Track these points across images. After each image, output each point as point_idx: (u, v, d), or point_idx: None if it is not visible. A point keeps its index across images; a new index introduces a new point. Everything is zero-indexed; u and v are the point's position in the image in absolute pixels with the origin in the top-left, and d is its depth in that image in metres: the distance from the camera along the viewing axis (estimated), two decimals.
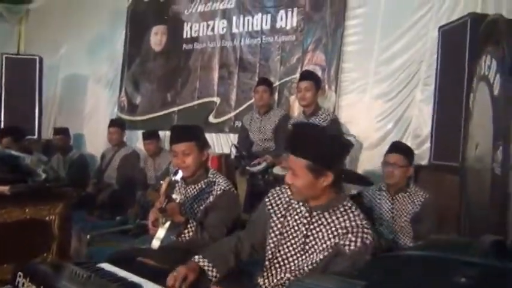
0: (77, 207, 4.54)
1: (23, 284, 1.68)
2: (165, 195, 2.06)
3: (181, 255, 2.18)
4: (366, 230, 1.63)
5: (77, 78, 6.80)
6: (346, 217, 1.67)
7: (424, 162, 3.85)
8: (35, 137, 6.08)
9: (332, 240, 1.66)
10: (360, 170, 4.19)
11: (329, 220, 1.69)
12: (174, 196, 2.22)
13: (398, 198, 2.88)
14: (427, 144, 3.86)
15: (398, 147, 2.98)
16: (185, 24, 5.83)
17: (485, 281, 0.69)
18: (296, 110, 4.60)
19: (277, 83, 4.90)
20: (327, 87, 4.61)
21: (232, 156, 4.44)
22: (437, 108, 3.69)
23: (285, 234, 1.78)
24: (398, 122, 4.20)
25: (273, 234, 1.81)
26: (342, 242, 1.63)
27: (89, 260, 2.40)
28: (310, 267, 1.68)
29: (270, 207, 1.85)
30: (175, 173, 2.14)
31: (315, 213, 1.72)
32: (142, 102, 6.17)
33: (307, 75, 3.99)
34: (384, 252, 2.72)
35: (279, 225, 1.80)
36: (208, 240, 2.24)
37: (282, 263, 1.77)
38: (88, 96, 6.76)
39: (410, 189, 2.87)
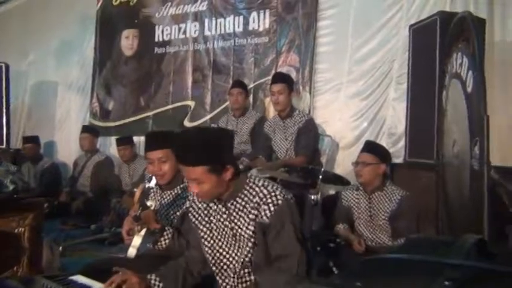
0: (50, 217, 4.48)
1: None
2: (139, 202, 2.01)
3: (159, 262, 2.13)
4: (273, 194, 1.72)
5: (47, 85, 6.64)
6: (253, 193, 1.75)
7: (400, 160, 3.88)
8: (4, 146, 5.89)
9: (252, 219, 1.74)
10: (337, 170, 4.20)
11: (242, 203, 1.77)
12: (148, 203, 2.17)
13: (375, 197, 2.89)
14: (402, 142, 3.90)
15: (366, 146, 3.01)
16: (157, 27, 5.75)
17: (468, 282, 0.68)
18: (271, 112, 4.58)
19: (251, 85, 4.88)
20: (301, 88, 4.61)
21: None
22: (410, 106, 3.73)
23: (217, 237, 1.85)
24: (373, 121, 4.23)
25: (206, 242, 1.87)
26: (259, 215, 1.72)
27: (62, 272, 2.31)
28: (249, 254, 1.75)
29: (193, 219, 1.91)
30: (150, 180, 2.09)
31: (229, 205, 1.80)
32: (115, 108, 6.05)
33: (278, 78, 3.97)
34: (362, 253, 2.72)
35: (207, 231, 1.87)
36: (185, 246, 2.20)
37: (226, 263, 1.83)
38: (58, 102, 6.59)
39: (386, 187, 2.88)
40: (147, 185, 2.08)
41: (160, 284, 1.82)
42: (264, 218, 1.71)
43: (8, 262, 2.31)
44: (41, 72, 6.69)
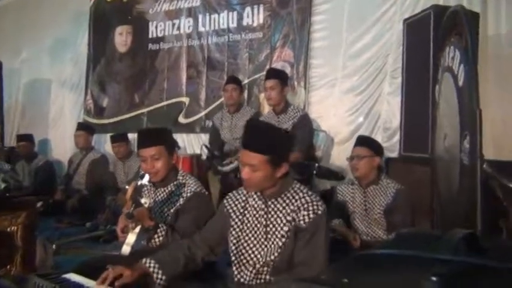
0: (45, 215, 4.46)
1: None
2: (132, 200, 2.00)
3: None
4: (315, 203, 1.80)
5: (40, 83, 6.60)
6: (297, 197, 1.83)
7: (395, 154, 3.89)
8: None
9: (288, 221, 1.80)
10: (332, 165, 4.20)
11: (283, 204, 1.84)
12: (142, 200, 2.16)
13: (370, 190, 2.89)
14: (397, 137, 3.90)
15: (359, 140, 3.01)
16: (150, 23, 5.73)
17: (456, 277, 0.67)
18: (266, 108, 4.57)
19: (246, 81, 4.87)
20: (296, 83, 4.60)
21: (204, 157, 4.38)
22: (405, 100, 3.73)
23: (246, 230, 1.89)
24: (368, 115, 4.23)
25: (234, 232, 1.92)
26: (297, 219, 1.79)
27: (55, 271, 2.30)
28: (276, 253, 1.80)
29: (228, 207, 1.97)
30: (142, 177, 2.08)
31: (269, 202, 1.86)
32: (109, 105, 6.03)
33: (271, 74, 3.96)
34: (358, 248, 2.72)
35: (239, 223, 1.92)
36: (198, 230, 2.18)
37: (248, 257, 1.87)
38: (52, 100, 6.56)
39: (382, 181, 2.88)
40: (139, 183, 2.07)
41: (160, 271, 1.81)
42: (302, 222, 1.78)
43: (1, 261, 2.29)
44: (34, 70, 6.65)
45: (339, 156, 4.23)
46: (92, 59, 6.18)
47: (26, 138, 5.59)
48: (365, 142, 2.96)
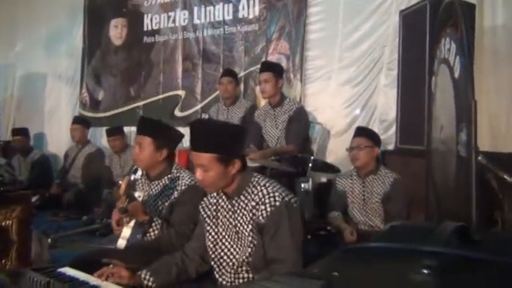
0: (41, 209, 4.46)
1: None
2: (126, 194, 1.99)
3: (148, 253, 2.13)
4: (272, 195, 1.73)
5: (35, 76, 6.55)
6: (255, 191, 1.77)
7: (391, 146, 3.88)
8: None
9: (251, 218, 1.76)
10: (329, 158, 4.20)
11: (245, 201, 1.79)
12: (136, 194, 2.16)
13: (368, 180, 2.92)
14: (393, 129, 3.90)
15: (359, 131, 3.05)
16: (145, 16, 5.68)
17: (447, 270, 0.67)
18: (262, 101, 4.55)
19: (242, 74, 4.85)
20: (292, 76, 4.58)
21: None
22: (401, 92, 3.72)
23: (222, 233, 1.87)
24: (365, 107, 4.22)
25: (210, 236, 1.89)
26: (257, 215, 1.74)
27: (50, 265, 2.29)
28: (247, 252, 1.76)
29: (202, 212, 1.94)
30: (135, 171, 2.08)
31: (234, 201, 1.83)
32: (105, 98, 6.00)
33: (265, 67, 3.94)
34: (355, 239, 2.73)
35: (213, 226, 1.89)
36: (175, 237, 2.19)
37: (226, 259, 1.84)
38: (47, 94, 6.52)
39: (380, 171, 2.93)
40: (132, 177, 2.07)
41: (151, 279, 1.82)
42: (260, 218, 1.73)
43: None
44: (29, 63, 6.60)
45: (335, 149, 4.23)
46: (87, 52, 6.13)
47: (21, 132, 5.57)
48: (364, 133, 3.00)
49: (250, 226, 1.76)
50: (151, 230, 2.19)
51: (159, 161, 2.31)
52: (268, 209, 1.71)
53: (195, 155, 1.76)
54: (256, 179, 1.81)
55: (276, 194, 1.73)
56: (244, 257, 1.78)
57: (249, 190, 1.79)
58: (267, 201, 1.72)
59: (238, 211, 1.81)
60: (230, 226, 1.84)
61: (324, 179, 3.90)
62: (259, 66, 4.64)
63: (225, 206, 1.87)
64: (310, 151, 3.89)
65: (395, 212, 2.77)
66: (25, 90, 6.68)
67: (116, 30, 5.94)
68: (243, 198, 1.80)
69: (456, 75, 1.94)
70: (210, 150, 1.73)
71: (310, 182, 3.22)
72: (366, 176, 2.93)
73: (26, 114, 6.57)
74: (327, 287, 0.63)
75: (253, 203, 1.76)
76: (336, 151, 4.20)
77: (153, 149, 2.30)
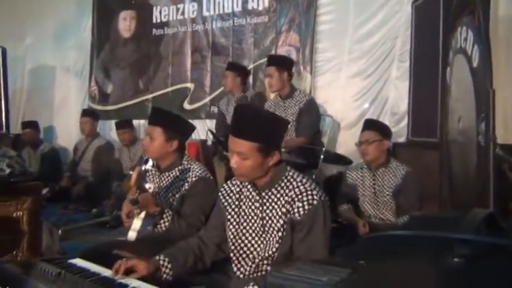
0: (51, 201, 4.47)
1: None
2: (136, 185, 1.97)
3: (159, 245, 2.11)
4: (310, 192, 1.68)
5: (44, 69, 6.56)
6: (290, 187, 1.71)
7: (402, 139, 3.84)
8: (3, 131, 5.84)
9: (284, 213, 1.70)
10: (339, 150, 4.16)
11: (278, 195, 1.73)
12: (147, 186, 2.14)
13: (379, 173, 2.88)
14: (405, 121, 3.85)
15: (367, 124, 2.98)
16: (154, 8, 5.65)
17: (479, 258, 0.64)
18: (272, 94, 4.52)
19: (251, 66, 4.81)
20: (302, 68, 4.54)
21: (209, 143, 4.35)
22: (413, 84, 3.68)
23: (243, 224, 1.81)
24: (375, 100, 4.17)
25: (231, 226, 1.83)
26: (292, 212, 1.68)
27: (61, 256, 2.29)
28: (274, 247, 1.72)
29: (223, 200, 1.87)
30: (146, 162, 2.06)
31: (263, 194, 1.76)
32: (114, 91, 6.00)
33: (269, 61, 3.89)
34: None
35: (235, 216, 1.83)
36: (186, 228, 2.18)
37: (247, 251, 1.79)
38: (57, 87, 6.53)
39: (391, 164, 2.88)
40: (143, 168, 2.05)
41: (169, 265, 1.78)
42: (296, 215, 1.67)
43: (7, 246, 2.29)
44: (38, 56, 6.61)
45: (346, 142, 4.19)
46: (96, 44, 6.13)
47: (31, 125, 5.59)
48: (373, 126, 2.94)
49: (281, 221, 1.70)
50: (161, 221, 2.16)
51: (170, 152, 2.29)
52: (306, 207, 1.66)
53: (234, 141, 1.69)
54: (291, 174, 1.75)
55: (314, 192, 1.69)
56: (270, 252, 1.73)
57: (283, 184, 1.73)
58: (304, 198, 1.67)
59: (268, 204, 1.74)
60: (256, 218, 1.77)
61: (334, 172, 3.86)
62: None
63: (250, 197, 1.80)
64: (321, 144, 3.85)
65: (408, 205, 2.73)
66: (35, 83, 6.70)
67: (125, 23, 5.92)
68: (275, 191, 1.74)
69: (475, 64, 1.89)
70: (252, 138, 1.66)
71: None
72: (376, 168, 2.89)
73: (36, 107, 6.59)
74: (355, 275, 0.61)
75: (288, 198, 1.70)
76: (346, 144, 4.16)
77: (163, 139, 2.28)
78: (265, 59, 4.66)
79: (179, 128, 2.35)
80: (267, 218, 1.74)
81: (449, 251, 0.64)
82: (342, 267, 0.62)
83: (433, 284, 0.60)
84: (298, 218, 1.67)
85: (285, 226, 1.70)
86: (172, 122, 2.36)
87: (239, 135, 1.68)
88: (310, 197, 1.67)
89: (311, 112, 3.77)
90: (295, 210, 1.67)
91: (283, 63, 3.85)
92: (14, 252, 2.31)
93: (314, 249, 1.67)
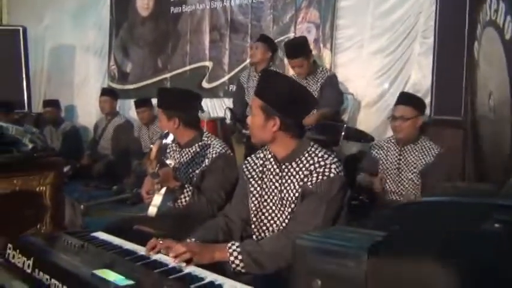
0: (72, 179, 4.54)
1: (13, 256, 1.61)
2: (157, 159, 1.97)
3: (179, 221, 2.12)
4: (328, 166, 1.65)
5: (64, 49, 6.60)
6: (311, 161, 1.69)
7: (425, 117, 3.75)
8: (25, 110, 5.94)
9: (300, 186, 1.70)
10: (360, 128, 4.10)
11: (297, 169, 1.72)
12: (168, 161, 2.15)
13: (407, 149, 2.78)
14: (428, 99, 3.74)
15: (404, 98, 2.84)
16: None
17: None
18: (291, 71, 4.45)
19: None
20: (322, 45, 4.46)
21: (228, 120, 4.33)
22: (437, 61, 3.57)
23: (264, 196, 1.80)
24: (397, 77, 4.08)
25: (253, 198, 1.82)
26: (307, 182, 1.67)
27: (84, 229, 2.33)
28: (287, 220, 1.72)
29: (247, 173, 1.87)
30: (166, 136, 2.05)
31: (283, 166, 1.75)
32: (133, 70, 6.01)
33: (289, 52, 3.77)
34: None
35: (258, 188, 1.82)
36: (206, 204, 2.18)
37: (267, 223, 1.79)
38: (76, 66, 6.58)
39: (420, 141, 2.77)
40: (163, 141, 2.04)
41: None
42: (309, 184, 1.65)
43: (31, 220, 2.33)
44: (58, 36, 6.65)
45: (366, 120, 4.13)
46: (115, 23, 6.13)
47: (52, 104, 5.65)
48: (410, 101, 2.79)
49: (297, 194, 1.69)
50: (182, 197, 2.17)
51: (175, 129, 2.29)
52: (320, 177, 1.64)
53: (253, 98, 1.77)
54: (313, 149, 1.72)
55: (333, 166, 1.65)
56: (283, 224, 1.73)
57: (303, 158, 1.71)
58: (320, 170, 1.64)
59: (287, 177, 1.73)
60: (276, 191, 1.77)
61: (354, 150, 3.81)
62: (288, 35, 4.55)
63: (272, 170, 1.79)
64: (341, 122, 3.79)
65: (436, 186, 2.64)
66: (55, 63, 6.76)
67: (143, 1, 5.89)
68: (294, 165, 1.72)
69: (508, 36, 1.81)
70: (260, 96, 1.70)
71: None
72: (404, 144, 2.79)
73: (56, 86, 6.66)
74: (389, 238, 0.58)
75: (306, 172, 1.68)
76: (367, 122, 4.10)
77: (165, 119, 2.32)
78: (285, 36, 4.61)
79: (175, 105, 2.33)
80: (284, 191, 1.74)
81: (489, 216, 0.61)
82: (375, 229, 0.60)
83: (474, 248, 0.58)
84: (310, 187, 1.65)
85: (299, 198, 1.68)
86: (168, 101, 2.36)
87: (255, 92, 1.75)
88: (327, 170, 1.64)
89: (333, 86, 3.70)
90: (309, 181, 1.66)
91: (298, 50, 3.70)
92: (38, 226, 2.36)
93: (310, 216, 1.62)
